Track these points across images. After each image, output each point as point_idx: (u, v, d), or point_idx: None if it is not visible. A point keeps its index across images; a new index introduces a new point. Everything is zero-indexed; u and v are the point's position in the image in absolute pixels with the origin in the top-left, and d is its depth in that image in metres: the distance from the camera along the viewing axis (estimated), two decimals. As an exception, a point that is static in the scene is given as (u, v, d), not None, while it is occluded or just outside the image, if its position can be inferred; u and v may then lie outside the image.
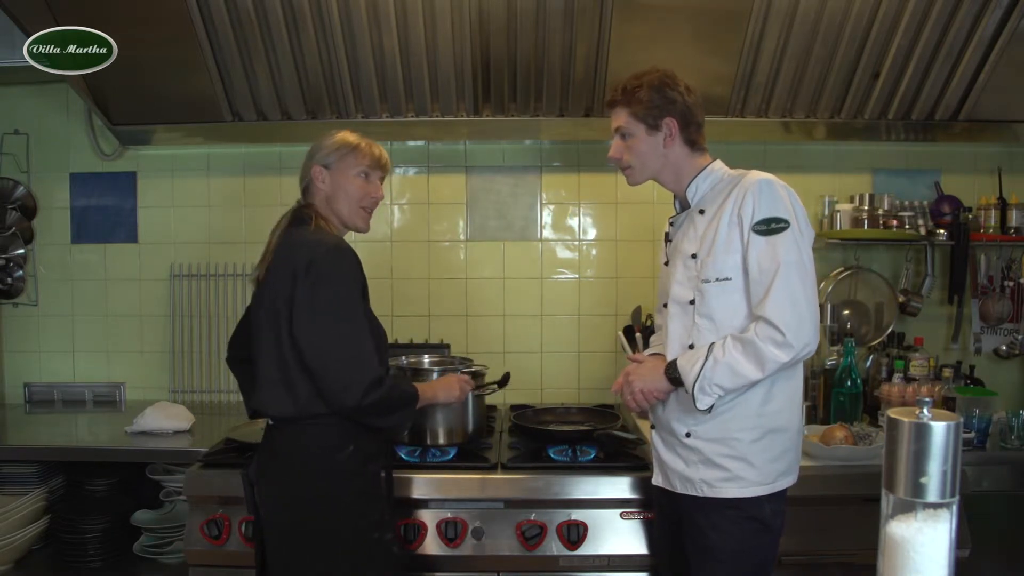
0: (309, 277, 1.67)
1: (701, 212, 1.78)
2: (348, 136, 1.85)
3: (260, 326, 1.78)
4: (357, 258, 1.75)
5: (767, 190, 1.68)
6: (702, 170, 1.80)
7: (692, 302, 1.75)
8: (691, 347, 1.74)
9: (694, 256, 1.75)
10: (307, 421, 1.73)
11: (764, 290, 1.65)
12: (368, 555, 1.75)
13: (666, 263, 1.88)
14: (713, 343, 1.69)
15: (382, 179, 1.90)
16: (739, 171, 1.79)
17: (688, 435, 1.75)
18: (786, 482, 1.76)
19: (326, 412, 1.71)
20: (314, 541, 1.72)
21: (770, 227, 1.66)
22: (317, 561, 1.72)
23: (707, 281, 1.72)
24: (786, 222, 1.66)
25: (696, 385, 1.66)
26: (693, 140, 1.79)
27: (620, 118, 1.80)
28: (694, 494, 1.74)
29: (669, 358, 1.78)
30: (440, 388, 2.00)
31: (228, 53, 2.47)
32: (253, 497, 1.82)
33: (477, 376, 2.21)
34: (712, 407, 1.68)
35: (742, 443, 1.70)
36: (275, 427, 1.79)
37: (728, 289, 1.70)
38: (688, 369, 1.69)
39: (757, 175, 1.72)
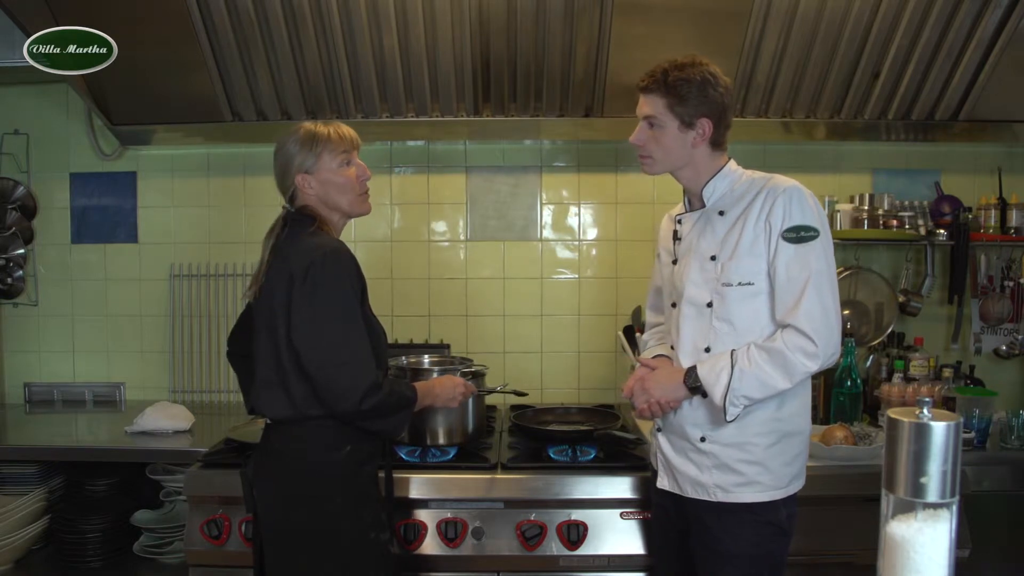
0: (307, 281, 1.66)
1: (721, 214, 1.75)
2: (310, 128, 1.79)
3: (258, 328, 1.78)
4: (355, 261, 1.75)
5: (797, 197, 1.67)
6: (720, 170, 1.77)
7: (710, 305, 1.73)
8: (707, 350, 1.73)
9: (713, 258, 1.73)
10: (304, 422, 1.73)
11: (794, 298, 1.63)
12: (364, 555, 1.75)
13: (674, 262, 1.84)
14: (734, 350, 1.67)
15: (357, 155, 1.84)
16: (759, 174, 1.77)
17: (703, 439, 1.73)
18: (798, 485, 1.75)
19: (323, 413, 1.71)
20: (310, 541, 1.72)
21: (800, 235, 1.65)
22: (313, 561, 1.71)
23: (728, 285, 1.70)
24: (816, 231, 1.65)
25: (727, 399, 1.64)
26: (719, 141, 1.76)
27: (654, 106, 1.72)
28: (707, 499, 1.73)
29: (682, 361, 1.76)
30: (439, 389, 1.97)
31: (228, 53, 2.47)
32: (252, 496, 1.82)
33: (477, 376, 2.21)
34: (737, 416, 1.67)
35: (759, 448, 1.69)
36: (272, 427, 1.79)
37: (750, 294, 1.69)
38: (713, 381, 1.66)
39: (785, 181, 1.70)
